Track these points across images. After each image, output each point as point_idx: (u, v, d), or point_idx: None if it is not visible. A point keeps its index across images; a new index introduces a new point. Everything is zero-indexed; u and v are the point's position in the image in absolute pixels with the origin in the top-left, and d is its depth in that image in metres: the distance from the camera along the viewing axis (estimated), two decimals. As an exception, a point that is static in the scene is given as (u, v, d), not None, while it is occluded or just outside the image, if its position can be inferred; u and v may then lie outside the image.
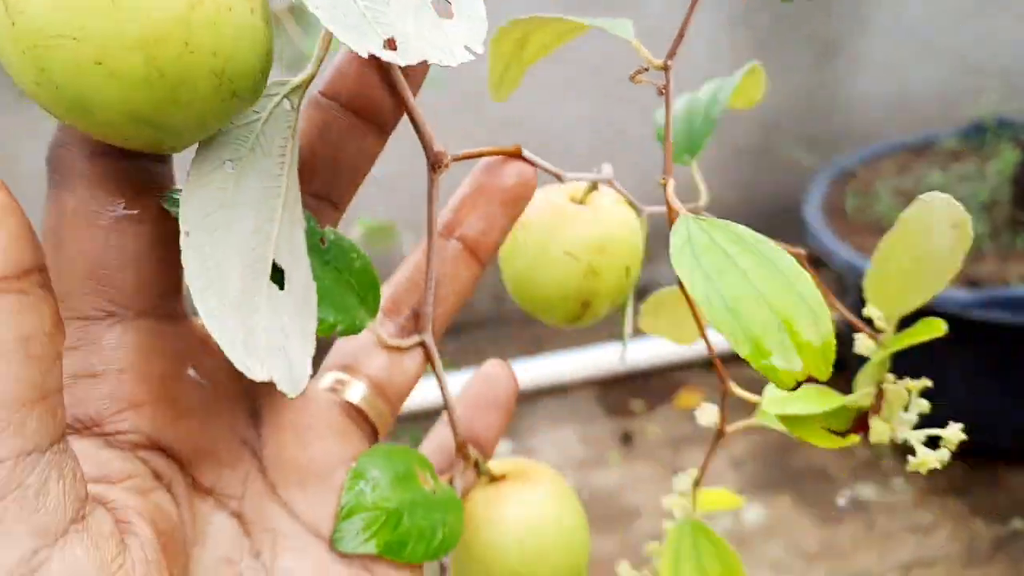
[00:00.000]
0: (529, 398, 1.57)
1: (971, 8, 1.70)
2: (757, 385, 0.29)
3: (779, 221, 1.79)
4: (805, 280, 0.23)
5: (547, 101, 1.57)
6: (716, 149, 1.73)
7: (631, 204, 0.33)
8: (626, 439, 1.47)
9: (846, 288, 1.41)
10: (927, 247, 0.27)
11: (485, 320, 1.79)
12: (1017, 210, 1.42)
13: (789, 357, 0.22)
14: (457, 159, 0.27)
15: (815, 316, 0.22)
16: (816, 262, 1.56)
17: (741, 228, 0.24)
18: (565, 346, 1.63)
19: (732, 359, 0.25)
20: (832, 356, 0.22)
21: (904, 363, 0.30)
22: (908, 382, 0.28)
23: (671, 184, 0.27)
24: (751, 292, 0.23)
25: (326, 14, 0.18)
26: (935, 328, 0.26)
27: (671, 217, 0.26)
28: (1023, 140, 1.52)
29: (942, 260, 0.27)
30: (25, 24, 0.17)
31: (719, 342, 0.28)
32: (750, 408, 0.31)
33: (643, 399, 1.56)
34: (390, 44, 0.19)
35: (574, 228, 0.31)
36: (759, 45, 1.67)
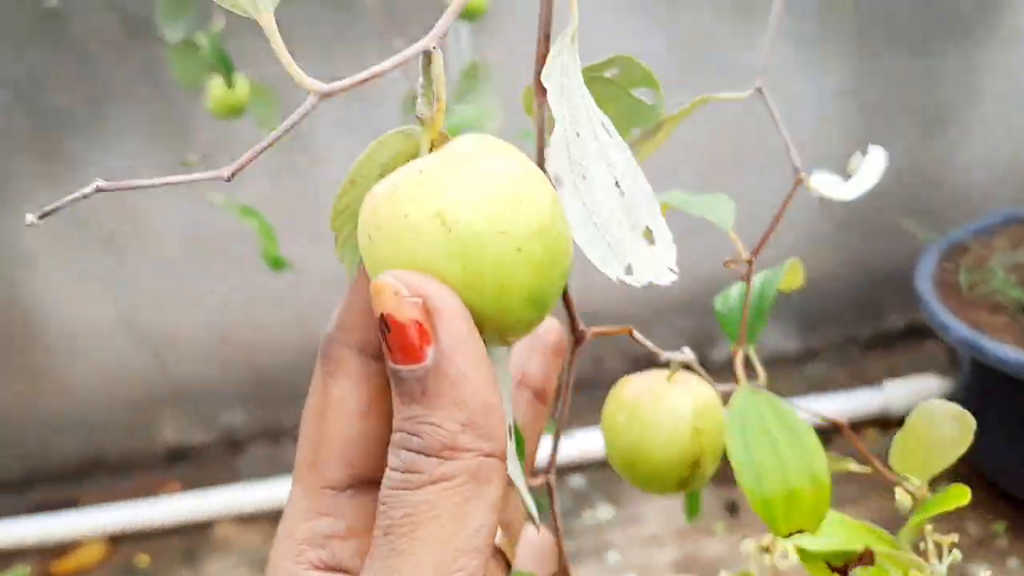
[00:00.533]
0: (632, 463, 1.58)
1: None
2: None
3: (890, 291, 1.77)
4: (820, 458, 0.31)
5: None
6: (822, 221, 1.73)
7: (707, 381, 0.38)
8: (732, 508, 1.46)
9: (959, 363, 1.39)
10: (935, 436, 0.34)
11: (585, 382, 1.81)
12: None
13: (788, 519, 0.30)
14: (596, 335, 0.32)
15: (818, 489, 0.30)
16: (928, 334, 1.54)
17: (784, 406, 0.32)
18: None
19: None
20: (822, 518, 0.31)
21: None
22: (939, 537, 0.34)
23: (739, 356, 0.35)
24: (776, 463, 0.30)
25: (587, 247, 0.24)
26: (962, 496, 0.32)
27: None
28: None
29: (950, 444, 0.34)
30: (462, 229, 0.22)
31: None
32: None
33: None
34: (627, 269, 0.25)
35: (675, 397, 0.35)
36: (867, 114, 1.68)
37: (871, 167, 0.37)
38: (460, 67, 1.32)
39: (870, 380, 1.67)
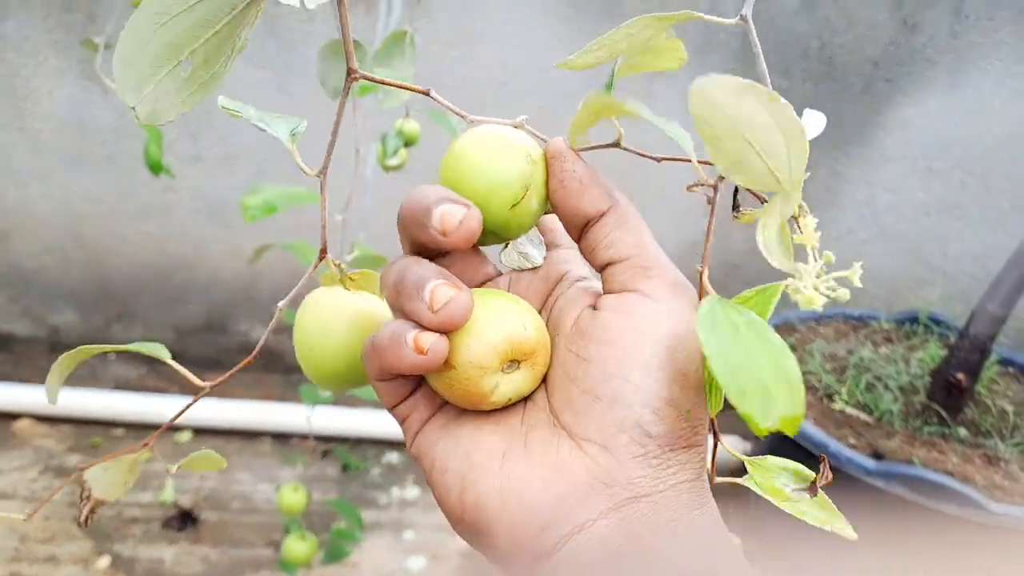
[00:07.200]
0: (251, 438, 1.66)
1: (934, 210, 1.85)
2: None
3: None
4: (791, 359, 0.29)
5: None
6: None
7: (544, 141, 0.38)
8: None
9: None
10: None
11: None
12: (931, 401, 1.53)
13: (767, 415, 0.28)
14: None
15: (791, 390, 0.28)
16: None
17: (751, 312, 0.32)
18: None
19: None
20: (800, 421, 0.29)
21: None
22: None
23: (706, 272, 0.35)
24: (749, 362, 0.29)
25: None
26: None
27: (702, 295, 0.35)
28: (949, 341, 1.66)
29: None
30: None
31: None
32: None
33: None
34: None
35: (514, 133, 0.38)
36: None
37: (814, 122, 0.37)
38: (386, 33, 1.34)
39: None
